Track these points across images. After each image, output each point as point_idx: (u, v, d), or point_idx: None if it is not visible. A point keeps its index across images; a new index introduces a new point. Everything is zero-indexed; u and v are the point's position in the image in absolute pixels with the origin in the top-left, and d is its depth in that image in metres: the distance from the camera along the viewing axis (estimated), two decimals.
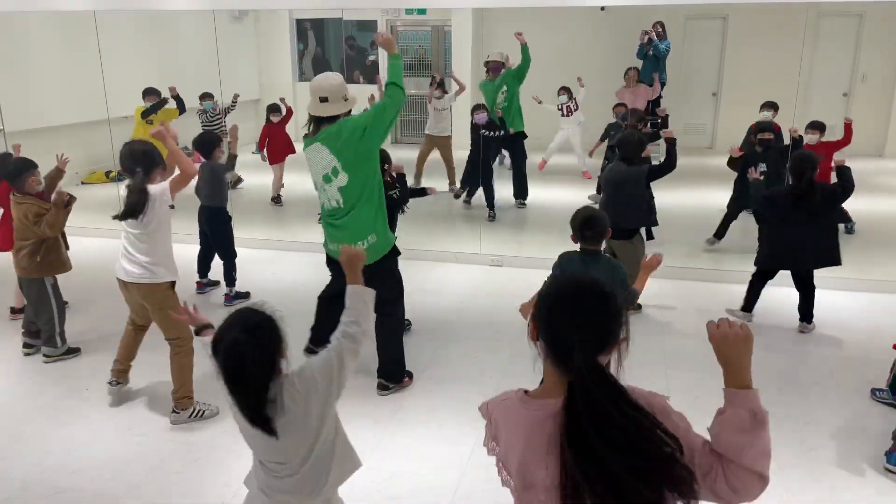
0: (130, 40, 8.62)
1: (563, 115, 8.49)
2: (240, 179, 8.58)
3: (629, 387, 1.40)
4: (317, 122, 3.70)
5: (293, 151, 8.00)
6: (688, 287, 5.61)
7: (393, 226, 4.57)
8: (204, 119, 8.29)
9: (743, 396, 1.41)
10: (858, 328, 4.90)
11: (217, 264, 5.55)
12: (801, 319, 4.89)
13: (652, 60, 8.82)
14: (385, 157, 4.28)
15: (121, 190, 3.95)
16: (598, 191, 6.52)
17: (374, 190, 3.75)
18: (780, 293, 5.09)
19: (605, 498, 1.29)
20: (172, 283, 3.76)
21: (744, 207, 6.18)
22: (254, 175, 8.70)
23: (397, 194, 4.55)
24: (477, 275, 6.04)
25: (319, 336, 4.10)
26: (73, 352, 4.53)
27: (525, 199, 7.89)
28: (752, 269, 4.99)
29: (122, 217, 3.60)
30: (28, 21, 7.87)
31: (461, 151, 7.98)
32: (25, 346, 4.60)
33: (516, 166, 7.89)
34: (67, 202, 4.18)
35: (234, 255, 5.46)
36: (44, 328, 4.47)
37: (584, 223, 3.41)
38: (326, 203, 3.78)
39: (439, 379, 4.16)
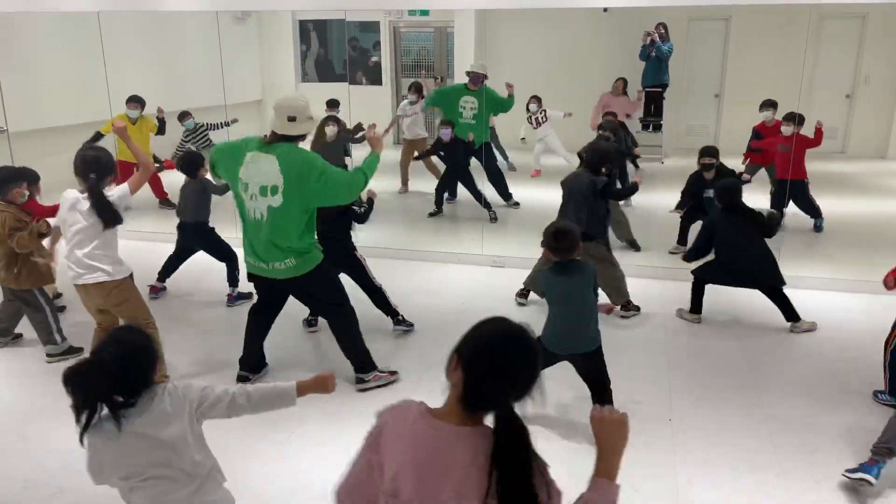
0: (134, 41, 8.64)
1: (533, 127, 8.38)
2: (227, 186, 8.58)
3: None
4: (280, 138, 3.74)
5: None
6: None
7: (348, 233, 4.79)
8: (191, 139, 8.33)
9: (605, 487, 1.51)
10: (861, 329, 4.89)
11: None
12: (789, 320, 4.95)
13: (654, 62, 8.82)
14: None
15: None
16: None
17: (301, 221, 3.78)
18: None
19: None
20: (131, 276, 3.95)
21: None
22: None
23: (362, 213, 4.76)
24: (478, 276, 6.04)
25: (251, 355, 4.21)
26: (76, 351, 4.52)
27: (509, 199, 7.84)
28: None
29: (108, 226, 3.76)
30: (32, 22, 7.89)
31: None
32: None
33: (491, 172, 7.77)
34: (42, 233, 4.28)
35: (235, 256, 5.44)
36: (40, 328, 4.51)
37: (555, 237, 3.48)
38: (251, 213, 3.77)
39: (441, 380, 4.15)
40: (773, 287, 4.89)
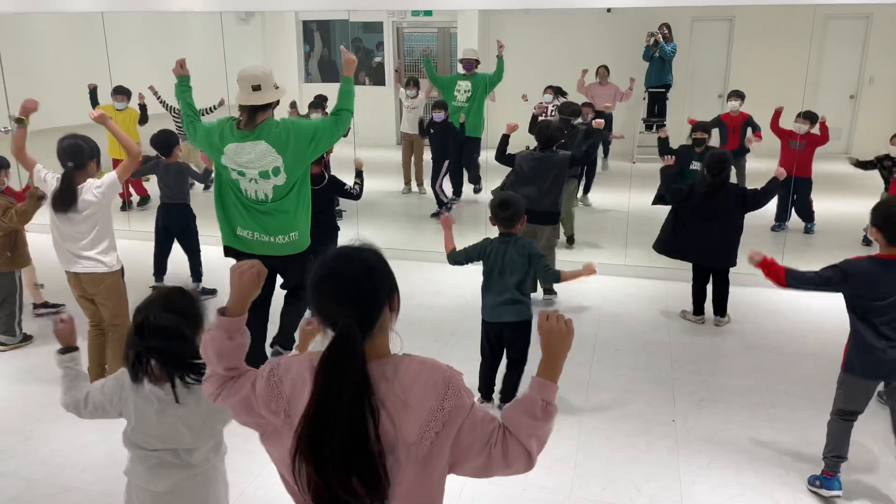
0: (138, 41, 8.65)
1: (541, 117, 8.25)
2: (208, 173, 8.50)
3: (408, 358, 1.45)
4: (251, 113, 3.68)
5: None
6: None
7: (335, 224, 4.88)
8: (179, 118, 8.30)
9: (545, 387, 1.54)
10: None
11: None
12: (715, 314, 5.01)
13: (658, 62, 8.80)
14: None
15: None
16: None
17: (304, 191, 3.88)
18: (785, 296, 5.07)
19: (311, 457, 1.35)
20: (122, 271, 3.96)
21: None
22: None
23: (357, 190, 4.81)
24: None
25: (256, 357, 4.19)
26: (28, 339, 4.75)
27: (476, 183, 7.97)
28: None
29: (56, 209, 3.75)
30: (36, 22, 7.91)
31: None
32: None
33: (471, 164, 7.91)
34: (41, 196, 4.28)
35: (199, 250, 5.53)
36: (6, 319, 4.61)
37: (499, 205, 3.66)
38: (252, 193, 3.79)
39: None
40: (723, 268, 4.92)
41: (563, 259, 5.64)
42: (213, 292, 5.45)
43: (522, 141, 8.47)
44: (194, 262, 5.53)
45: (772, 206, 6.88)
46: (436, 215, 7.64)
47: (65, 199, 3.71)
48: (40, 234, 5.81)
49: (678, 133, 9.25)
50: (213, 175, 5.76)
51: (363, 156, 5.25)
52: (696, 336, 4.88)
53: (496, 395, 3.91)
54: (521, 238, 3.75)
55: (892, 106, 9.49)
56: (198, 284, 5.48)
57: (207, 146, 3.84)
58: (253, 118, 3.68)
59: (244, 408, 1.58)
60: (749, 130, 7.00)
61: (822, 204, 7.02)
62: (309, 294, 1.49)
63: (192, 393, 2.05)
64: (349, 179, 4.91)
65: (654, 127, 8.12)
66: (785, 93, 6.94)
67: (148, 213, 7.71)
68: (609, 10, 7.73)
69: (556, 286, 5.45)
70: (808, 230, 6.90)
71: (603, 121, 5.96)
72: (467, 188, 8.09)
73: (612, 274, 5.95)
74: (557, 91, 7.40)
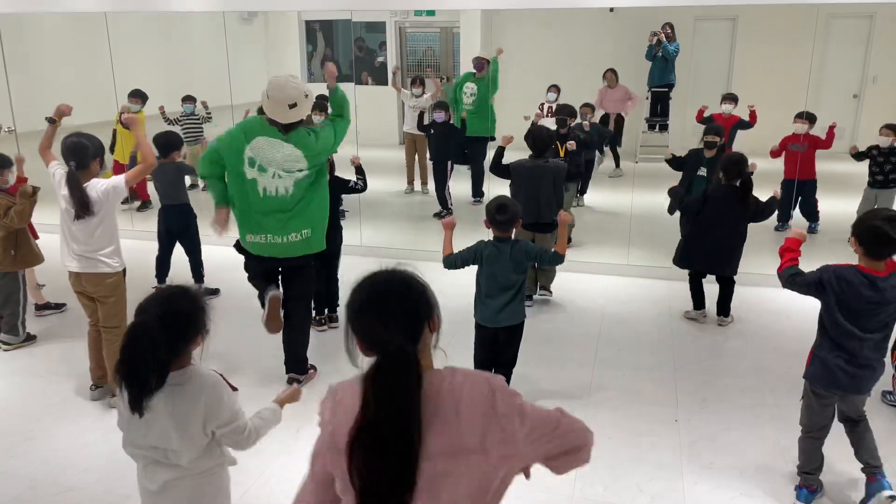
0: (141, 41, 8.67)
1: (542, 115, 8.22)
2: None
3: (450, 370, 1.45)
4: (285, 126, 3.78)
5: None
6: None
7: (339, 224, 4.92)
8: (187, 123, 8.32)
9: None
10: None
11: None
12: (718, 314, 5.00)
13: (661, 62, 8.79)
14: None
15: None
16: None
17: (322, 187, 3.98)
18: (788, 296, 5.05)
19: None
20: (124, 272, 3.95)
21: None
22: None
23: (361, 185, 4.86)
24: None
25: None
26: (31, 338, 4.76)
27: (480, 197, 7.95)
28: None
29: (79, 216, 3.72)
30: (40, 22, 7.92)
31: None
32: None
33: (474, 167, 7.95)
34: (33, 192, 4.33)
35: (200, 251, 5.53)
36: (8, 318, 4.61)
37: (497, 209, 3.65)
38: (272, 189, 3.82)
39: None
40: (729, 275, 4.93)
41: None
42: (215, 292, 5.46)
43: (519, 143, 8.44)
44: (195, 263, 5.54)
45: None
46: (438, 215, 7.64)
47: (83, 206, 3.70)
48: (51, 234, 5.86)
49: (680, 132, 9.26)
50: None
51: (365, 155, 5.25)
52: (699, 336, 4.87)
53: None
54: (518, 241, 3.75)
55: (895, 105, 9.46)
56: (200, 285, 5.47)
57: (229, 153, 3.84)
58: (287, 128, 3.79)
59: (325, 487, 1.56)
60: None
61: (825, 203, 7.00)
62: (351, 319, 1.48)
63: (170, 396, 2.00)
64: (350, 178, 4.92)
65: (657, 126, 8.11)
66: (788, 92, 6.93)
67: (150, 213, 7.73)
68: (612, 9, 7.71)
69: (555, 285, 5.46)
70: (811, 230, 6.88)
71: (574, 143, 5.87)
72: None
73: (615, 273, 5.94)
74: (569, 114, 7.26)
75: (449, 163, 7.66)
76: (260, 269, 4.06)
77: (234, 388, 2.19)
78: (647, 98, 8.92)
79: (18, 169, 4.96)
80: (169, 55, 9.28)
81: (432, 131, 7.74)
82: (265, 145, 3.76)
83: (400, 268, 1.54)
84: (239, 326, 4.71)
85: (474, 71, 7.99)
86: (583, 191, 7.89)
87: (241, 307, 4.97)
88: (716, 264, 4.92)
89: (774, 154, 6.89)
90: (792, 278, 3.04)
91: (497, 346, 3.84)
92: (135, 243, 6.19)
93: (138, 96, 7.50)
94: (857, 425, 3.12)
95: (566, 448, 1.51)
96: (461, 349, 4.59)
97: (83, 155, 3.74)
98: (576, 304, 5.40)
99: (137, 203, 7.97)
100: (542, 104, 8.28)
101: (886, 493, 2.97)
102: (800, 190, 6.55)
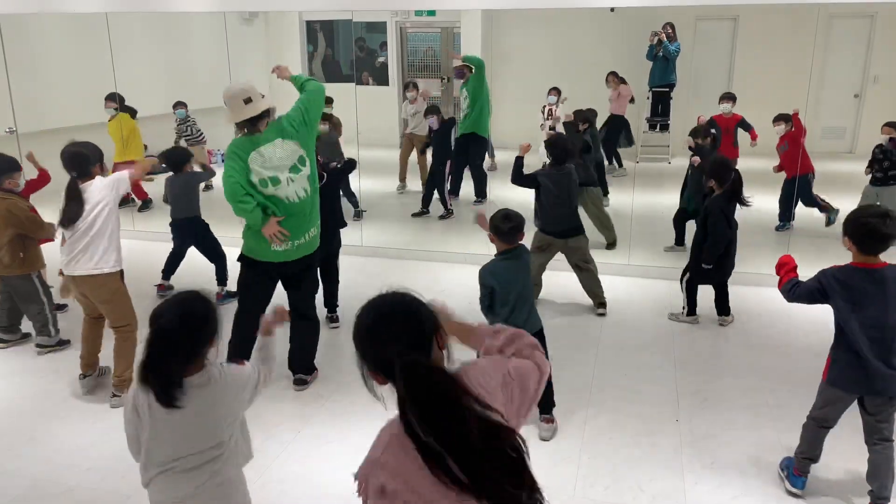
0: (142, 42, 8.68)
1: (544, 118, 8.27)
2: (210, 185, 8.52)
3: (468, 367, 1.55)
4: (251, 126, 3.72)
5: None
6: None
7: (343, 223, 4.92)
8: (183, 130, 8.32)
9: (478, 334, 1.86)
10: None
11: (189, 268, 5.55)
12: (719, 313, 5.01)
13: (662, 62, 8.79)
14: None
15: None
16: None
17: (315, 181, 3.95)
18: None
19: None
20: (121, 273, 3.93)
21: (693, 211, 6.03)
22: None
23: (344, 164, 4.89)
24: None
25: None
26: (64, 343, 4.65)
27: (482, 198, 7.94)
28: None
29: (64, 225, 3.77)
30: (41, 23, 7.93)
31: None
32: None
33: (474, 166, 7.92)
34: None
35: (224, 255, 5.48)
36: (36, 319, 4.56)
37: (503, 219, 3.58)
38: (293, 196, 3.77)
39: None
40: (723, 281, 4.93)
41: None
42: (235, 296, 5.41)
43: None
44: (220, 266, 5.48)
45: (774, 206, 6.89)
46: (443, 217, 7.64)
47: (71, 214, 3.72)
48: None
49: (681, 132, 9.24)
50: (213, 174, 5.77)
51: (366, 155, 5.25)
52: (700, 336, 4.87)
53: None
54: (523, 249, 3.67)
55: None
56: (222, 288, 5.45)
57: (245, 180, 3.72)
58: (255, 128, 3.72)
59: None
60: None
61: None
62: (360, 346, 1.50)
63: (195, 399, 2.05)
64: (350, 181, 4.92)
65: (658, 126, 8.12)
66: (789, 92, 6.92)
67: (151, 213, 7.73)
68: (612, 9, 7.71)
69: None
70: (829, 222, 6.74)
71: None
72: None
73: (616, 273, 5.94)
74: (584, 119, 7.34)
75: (449, 163, 7.66)
76: (261, 279, 3.98)
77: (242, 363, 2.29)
78: (648, 98, 8.92)
79: (31, 160, 4.93)
80: (169, 55, 9.28)
81: (433, 136, 7.81)
82: (261, 154, 3.69)
83: (400, 290, 1.56)
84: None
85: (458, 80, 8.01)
86: (605, 191, 7.88)
87: None
88: (728, 271, 4.91)
89: (778, 169, 6.89)
90: (793, 290, 3.04)
91: None
92: (135, 243, 6.20)
93: (112, 99, 7.45)
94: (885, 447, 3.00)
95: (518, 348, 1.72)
96: (464, 349, 4.60)
97: (84, 164, 3.77)
98: (576, 304, 5.40)
99: (138, 203, 7.97)
100: (544, 106, 8.30)
101: None
102: (798, 185, 6.55)
